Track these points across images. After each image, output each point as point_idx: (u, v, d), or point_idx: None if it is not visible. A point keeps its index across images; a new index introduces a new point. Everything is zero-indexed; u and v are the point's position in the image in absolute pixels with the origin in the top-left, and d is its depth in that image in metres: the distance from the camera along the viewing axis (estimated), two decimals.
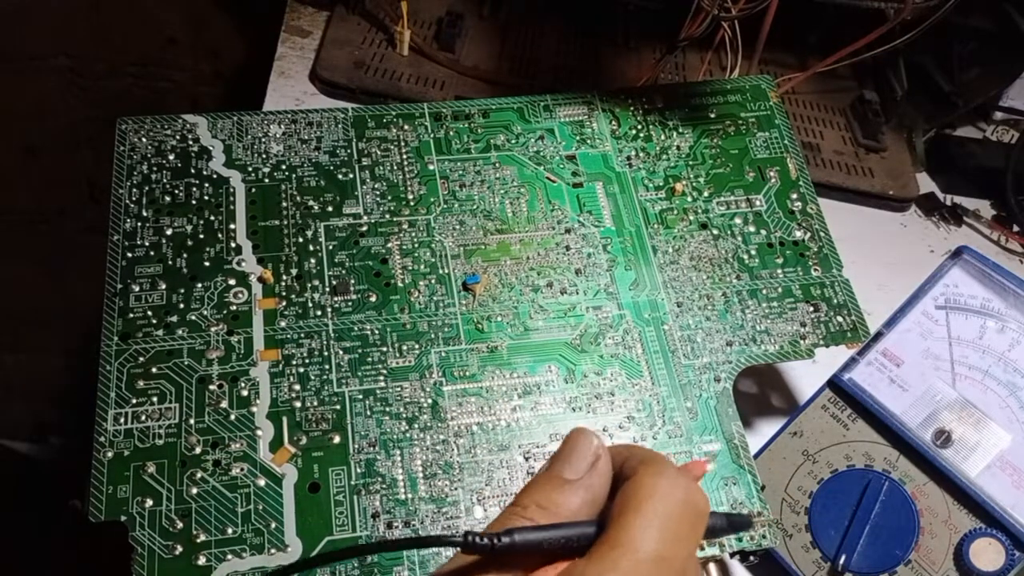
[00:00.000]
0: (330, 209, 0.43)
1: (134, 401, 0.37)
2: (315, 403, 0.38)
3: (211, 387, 0.38)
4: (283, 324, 0.40)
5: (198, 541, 0.34)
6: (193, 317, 0.39)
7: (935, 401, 0.41)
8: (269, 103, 0.59)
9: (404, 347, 0.40)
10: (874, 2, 0.56)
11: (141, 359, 0.38)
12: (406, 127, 0.46)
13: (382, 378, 0.39)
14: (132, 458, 0.36)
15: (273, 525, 0.35)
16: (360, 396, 0.38)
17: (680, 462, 0.38)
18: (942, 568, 0.39)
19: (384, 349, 0.40)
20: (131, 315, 0.39)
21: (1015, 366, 0.41)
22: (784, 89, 0.55)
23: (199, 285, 0.40)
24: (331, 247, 0.42)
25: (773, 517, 0.41)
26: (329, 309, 0.40)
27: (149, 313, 0.39)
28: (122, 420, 0.37)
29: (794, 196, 0.46)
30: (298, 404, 0.38)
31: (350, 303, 0.41)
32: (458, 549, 0.23)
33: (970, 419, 0.41)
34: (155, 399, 0.37)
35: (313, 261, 0.42)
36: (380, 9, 0.62)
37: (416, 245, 0.43)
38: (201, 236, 0.42)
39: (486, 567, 0.23)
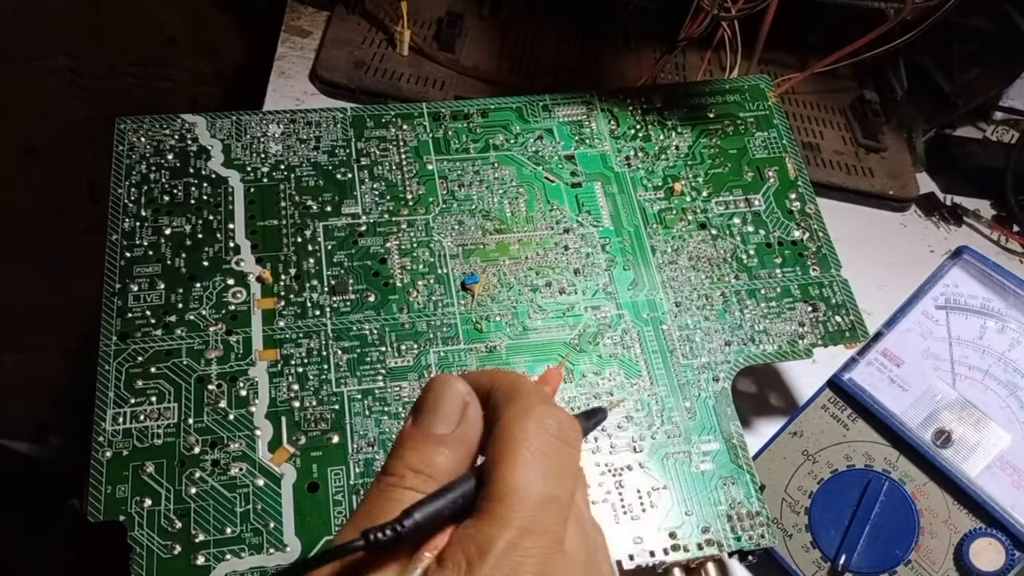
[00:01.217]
0: (329, 209, 0.43)
1: (133, 401, 0.37)
2: (314, 403, 0.38)
3: (210, 387, 0.38)
4: (282, 324, 0.40)
5: (197, 541, 0.34)
6: (192, 317, 0.39)
7: (935, 401, 0.41)
8: (269, 103, 0.59)
9: (403, 347, 0.40)
10: (874, 2, 0.56)
11: (140, 359, 0.38)
12: (405, 127, 0.46)
13: (381, 378, 0.39)
14: (131, 458, 0.36)
15: (272, 525, 0.35)
16: (359, 396, 0.38)
17: (679, 462, 0.38)
18: (942, 568, 0.39)
19: (383, 349, 0.39)
20: (130, 315, 0.39)
21: (1015, 366, 0.41)
22: (783, 89, 0.55)
23: (198, 285, 0.40)
24: (330, 247, 0.42)
25: (773, 517, 0.41)
26: (328, 309, 0.40)
27: (148, 313, 0.39)
28: (121, 420, 0.37)
29: (793, 196, 0.46)
30: (297, 404, 0.38)
31: (349, 303, 0.41)
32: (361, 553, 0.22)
33: (970, 419, 0.41)
34: (154, 399, 0.37)
35: (312, 261, 0.42)
36: (380, 9, 0.62)
37: (415, 245, 0.43)
38: (200, 236, 0.42)
39: (387, 557, 0.22)
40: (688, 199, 0.46)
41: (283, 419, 0.37)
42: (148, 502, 0.35)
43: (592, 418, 0.27)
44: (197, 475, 0.36)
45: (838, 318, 0.43)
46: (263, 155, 0.44)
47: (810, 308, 0.43)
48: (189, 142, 0.44)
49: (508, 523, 0.21)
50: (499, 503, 0.22)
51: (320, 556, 0.22)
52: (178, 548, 0.34)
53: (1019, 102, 0.67)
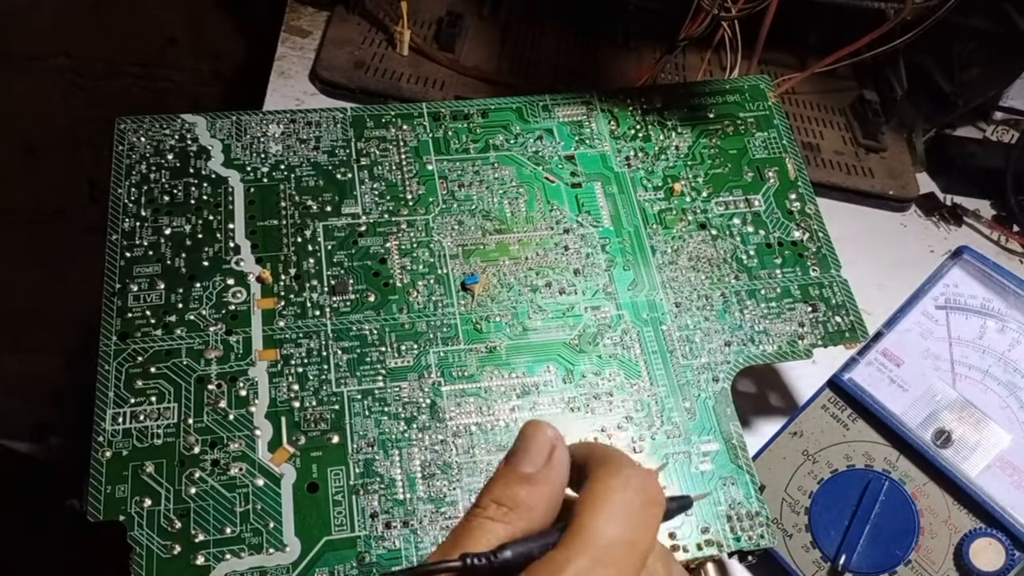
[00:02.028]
0: (329, 209, 0.43)
1: (133, 401, 0.37)
2: (314, 403, 0.38)
3: (210, 387, 0.38)
4: (282, 324, 0.40)
5: (196, 541, 0.34)
6: (192, 317, 0.39)
7: (935, 401, 0.41)
8: (269, 103, 0.59)
9: (403, 347, 0.40)
10: (874, 2, 0.56)
11: (140, 359, 0.38)
12: (405, 127, 0.46)
13: (381, 378, 0.39)
14: (131, 458, 0.36)
15: (272, 525, 0.35)
16: (359, 396, 0.38)
17: (679, 462, 0.38)
18: (942, 568, 0.39)
19: (383, 349, 0.39)
20: (130, 315, 0.39)
21: (1015, 366, 0.41)
22: (783, 89, 0.55)
23: (198, 285, 0.40)
24: (330, 247, 0.42)
25: (773, 517, 0.41)
26: (328, 309, 0.40)
27: (148, 313, 0.39)
28: (120, 420, 0.37)
29: (792, 196, 0.46)
30: (297, 404, 0.38)
31: (349, 303, 0.41)
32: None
33: (970, 419, 0.41)
34: (154, 399, 0.37)
35: (312, 261, 0.42)
36: (380, 9, 0.62)
37: (415, 245, 0.43)
38: (200, 236, 0.42)
39: None
40: (688, 199, 0.46)
41: (283, 419, 0.37)
42: (148, 502, 0.35)
43: (675, 501, 0.28)
44: (197, 475, 0.36)
45: (838, 318, 0.43)
46: (263, 155, 0.44)
47: (810, 308, 0.43)
48: (189, 142, 0.44)
49: (583, 551, 0.23)
50: (576, 537, 0.23)
51: (418, 568, 0.24)
52: (178, 548, 0.34)
53: (1019, 102, 0.67)
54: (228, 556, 0.34)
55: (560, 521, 0.25)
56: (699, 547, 0.36)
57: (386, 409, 0.38)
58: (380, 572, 0.34)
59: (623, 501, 0.24)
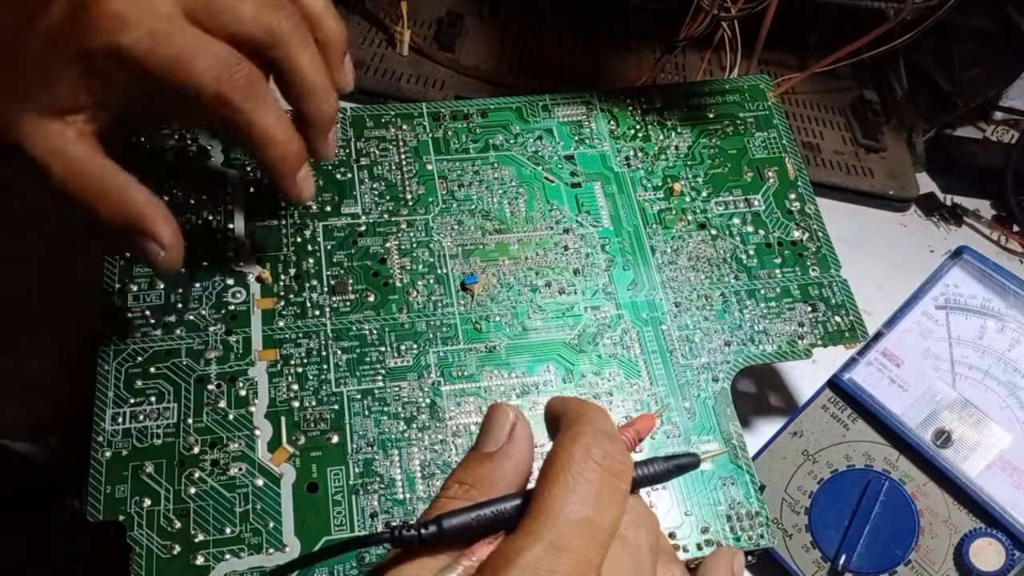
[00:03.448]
0: (328, 209, 0.43)
1: (132, 401, 0.37)
2: (313, 403, 0.38)
3: (209, 387, 0.38)
4: (281, 324, 0.40)
5: (196, 541, 0.34)
6: (191, 317, 0.39)
7: (935, 401, 0.41)
8: None
9: (402, 347, 0.40)
10: (874, 2, 0.56)
11: (139, 359, 0.38)
12: (404, 127, 0.46)
13: (380, 378, 0.39)
14: (130, 458, 0.36)
15: (271, 525, 0.35)
16: (358, 396, 0.38)
17: None
18: (942, 568, 0.39)
19: (382, 349, 0.39)
20: (130, 315, 0.39)
21: (1015, 366, 0.41)
22: (783, 89, 0.55)
23: (197, 285, 0.40)
24: (329, 247, 0.42)
25: (773, 517, 0.41)
26: (327, 309, 0.40)
27: (147, 313, 0.39)
28: (120, 420, 0.37)
29: (792, 196, 0.46)
30: (296, 404, 0.38)
31: (348, 303, 0.41)
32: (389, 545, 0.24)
33: (970, 419, 0.41)
34: (153, 399, 0.37)
35: (311, 261, 0.42)
36: (380, 9, 0.62)
37: (414, 245, 0.43)
38: (199, 236, 0.42)
39: (418, 555, 0.24)
40: (688, 199, 0.46)
41: (283, 419, 0.37)
42: (147, 502, 0.35)
43: (674, 460, 0.27)
44: (196, 475, 0.36)
45: (838, 318, 0.43)
46: None
47: (810, 308, 0.43)
48: (189, 142, 0.44)
49: (537, 538, 0.22)
50: (532, 519, 0.23)
51: (347, 542, 0.25)
52: (177, 548, 0.34)
53: (1019, 102, 0.66)
54: (228, 556, 0.34)
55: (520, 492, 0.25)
56: (699, 547, 0.36)
57: (386, 409, 0.38)
58: (310, 552, 0.34)
59: (581, 474, 0.23)
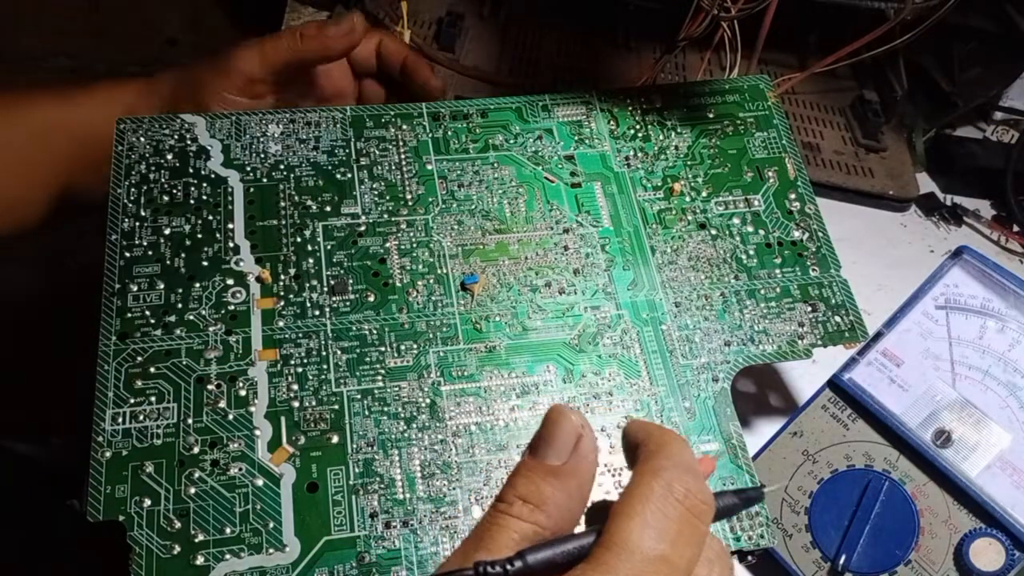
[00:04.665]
0: (328, 209, 0.43)
1: (132, 401, 0.37)
2: (313, 403, 0.38)
3: (209, 387, 0.38)
4: (281, 324, 0.40)
5: (196, 541, 0.34)
6: (191, 317, 0.39)
7: (935, 401, 0.41)
8: None
9: (402, 347, 0.40)
10: (874, 2, 0.56)
11: (139, 359, 0.38)
12: (404, 127, 0.46)
13: (380, 378, 0.39)
14: (130, 458, 0.36)
15: (271, 525, 0.35)
16: (358, 396, 0.38)
17: None
18: (942, 568, 0.39)
19: (382, 349, 0.39)
20: (129, 315, 0.39)
21: (1015, 366, 0.41)
22: (783, 89, 0.55)
23: (197, 285, 0.40)
24: (329, 247, 0.42)
25: (773, 517, 0.41)
26: (327, 309, 0.40)
27: (147, 313, 0.39)
28: (120, 420, 0.37)
29: (792, 196, 0.46)
30: (296, 404, 0.38)
31: (348, 303, 0.41)
32: None
33: (970, 419, 0.41)
34: (153, 399, 0.37)
35: (311, 261, 0.42)
36: (380, 9, 0.62)
37: (414, 245, 0.43)
38: (199, 236, 0.42)
39: None
40: (688, 199, 0.46)
41: (282, 419, 0.37)
42: (147, 502, 0.35)
43: (743, 494, 0.26)
44: (196, 475, 0.36)
45: (838, 318, 0.43)
46: (262, 155, 0.44)
47: (810, 308, 0.43)
48: (189, 142, 0.44)
49: (611, 571, 0.21)
50: (607, 551, 0.22)
51: None
52: (177, 548, 0.34)
53: (1019, 102, 0.66)
54: (228, 556, 0.34)
55: (595, 525, 0.24)
56: None
57: (386, 409, 0.38)
58: (313, 550, 0.33)
59: (662, 510, 0.22)
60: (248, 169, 0.44)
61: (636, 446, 0.25)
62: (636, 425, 0.26)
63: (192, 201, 0.43)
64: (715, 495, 0.25)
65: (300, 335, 0.39)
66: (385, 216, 0.43)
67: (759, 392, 0.50)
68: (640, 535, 0.22)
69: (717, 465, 0.38)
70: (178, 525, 0.34)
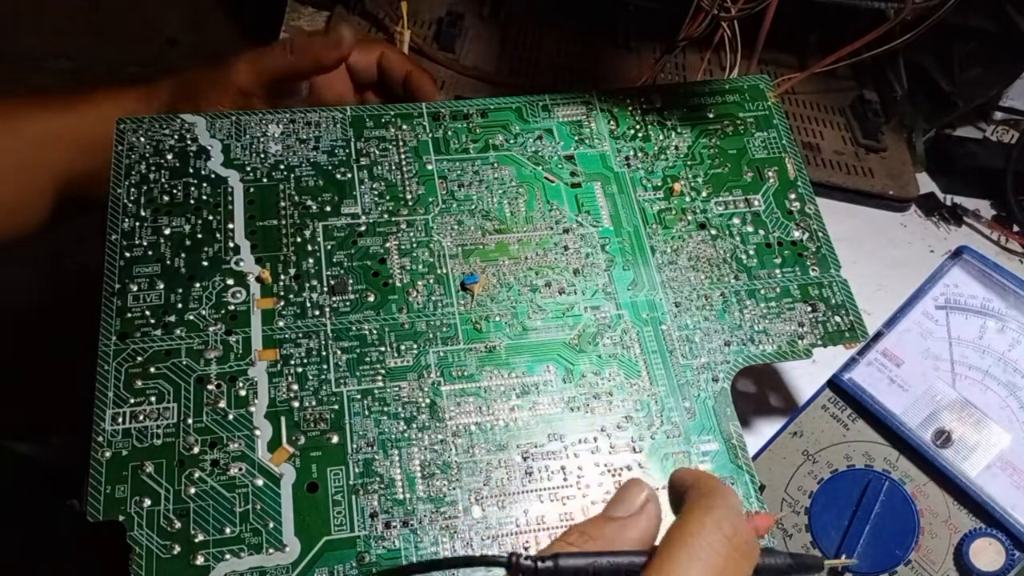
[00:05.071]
0: (328, 209, 0.43)
1: (132, 401, 0.37)
2: (313, 403, 0.38)
3: (209, 387, 0.38)
4: (281, 324, 0.40)
5: (196, 541, 0.34)
6: (191, 317, 0.39)
7: (935, 401, 0.41)
8: None
9: (402, 347, 0.40)
10: (874, 2, 0.56)
11: (139, 359, 0.38)
12: (404, 127, 0.46)
13: (380, 378, 0.39)
14: (130, 458, 0.36)
15: (271, 525, 0.35)
16: (358, 396, 0.38)
17: (679, 462, 0.38)
18: (942, 568, 0.39)
19: (382, 349, 0.39)
20: (129, 315, 0.39)
21: (1015, 366, 0.41)
22: (783, 89, 0.55)
23: (197, 285, 0.40)
24: (329, 247, 0.42)
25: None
26: (327, 309, 0.40)
27: (147, 313, 0.39)
28: (120, 420, 0.36)
29: (792, 196, 0.46)
30: (296, 404, 0.38)
31: (348, 303, 0.41)
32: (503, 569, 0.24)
33: (970, 419, 0.41)
34: (153, 399, 0.37)
35: (311, 261, 0.42)
36: (380, 9, 0.62)
37: (414, 245, 0.43)
38: (199, 236, 0.42)
39: None
40: (688, 199, 0.46)
41: (282, 419, 0.37)
42: (147, 502, 0.35)
43: (795, 559, 0.27)
44: (196, 475, 0.36)
45: (838, 318, 0.43)
46: (263, 155, 0.44)
47: (810, 308, 0.43)
48: (189, 142, 0.44)
49: None
50: (652, 574, 0.23)
51: (466, 558, 0.26)
52: (177, 548, 0.34)
53: (1019, 102, 0.66)
54: (228, 556, 0.34)
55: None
56: None
57: (386, 409, 0.38)
58: (424, 560, 0.34)
59: (710, 545, 0.23)
60: (248, 169, 0.44)
61: (685, 489, 0.26)
62: (686, 471, 0.28)
63: (192, 201, 0.43)
64: (770, 551, 0.26)
65: (300, 335, 0.39)
66: (385, 216, 0.43)
67: (759, 392, 0.50)
68: (688, 566, 0.23)
69: (714, 460, 0.38)
70: (178, 525, 0.34)
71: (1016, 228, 0.61)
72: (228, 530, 0.35)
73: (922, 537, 0.39)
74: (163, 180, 0.43)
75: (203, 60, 0.50)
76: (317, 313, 0.40)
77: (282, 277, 0.41)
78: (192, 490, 0.35)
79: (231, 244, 0.41)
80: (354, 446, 0.37)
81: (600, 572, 0.24)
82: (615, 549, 0.25)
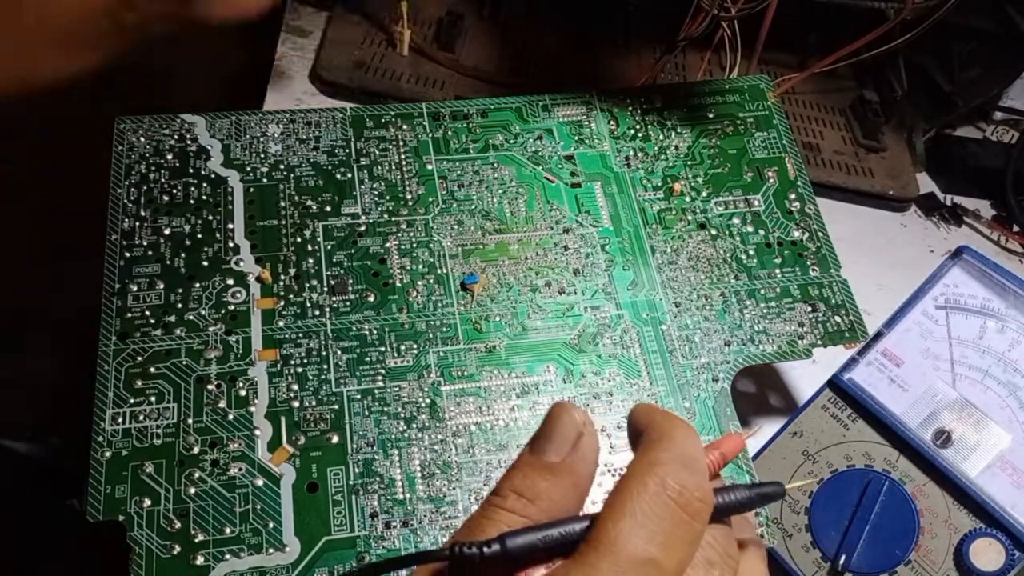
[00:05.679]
0: (328, 209, 0.43)
1: (132, 401, 0.37)
2: (313, 403, 0.38)
3: (209, 387, 0.38)
4: (281, 324, 0.40)
5: (196, 541, 0.34)
6: (191, 317, 0.39)
7: (935, 401, 0.41)
8: (269, 103, 0.59)
9: (402, 347, 0.40)
10: (874, 2, 0.56)
11: (139, 359, 0.38)
12: (404, 127, 0.46)
13: (380, 378, 0.39)
14: (130, 458, 0.36)
15: (271, 525, 0.35)
16: (358, 396, 0.38)
17: None
18: (942, 568, 0.39)
19: (382, 349, 0.39)
20: (129, 315, 0.39)
21: (1015, 366, 0.41)
22: (783, 89, 0.55)
23: (197, 285, 0.40)
24: (329, 247, 0.42)
25: (773, 517, 0.41)
26: (327, 309, 0.40)
27: (147, 313, 0.39)
28: (120, 420, 0.37)
29: (792, 196, 0.46)
30: (296, 404, 0.38)
31: (348, 303, 0.41)
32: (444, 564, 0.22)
33: (970, 419, 0.41)
34: (153, 399, 0.37)
35: (311, 261, 0.42)
36: (380, 9, 0.62)
37: (414, 245, 0.43)
38: (199, 236, 0.42)
39: (473, 574, 0.22)
40: (688, 199, 0.46)
41: (282, 419, 0.37)
42: (147, 502, 0.35)
43: (759, 489, 0.24)
44: (196, 475, 0.36)
45: (838, 318, 0.43)
46: (263, 155, 0.44)
47: (810, 308, 0.43)
48: (189, 142, 0.44)
49: (594, 571, 0.21)
50: (593, 549, 0.21)
51: (405, 558, 0.23)
52: (177, 548, 0.34)
53: (1019, 102, 0.66)
54: (228, 556, 0.34)
55: (587, 515, 0.23)
56: None
57: (386, 409, 0.38)
58: (361, 564, 0.33)
59: (653, 509, 0.21)
60: (248, 169, 0.44)
61: (639, 433, 0.24)
62: (641, 409, 0.25)
63: (192, 201, 0.43)
64: (728, 489, 0.24)
65: (300, 335, 0.39)
66: (385, 216, 0.43)
67: (759, 392, 0.50)
68: (628, 535, 0.21)
69: None
70: (178, 525, 0.34)
71: (1016, 228, 0.61)
72: (228, 530, 0.35)
73: (922, 537, 0.39)
74: (163, 180, 0.43)
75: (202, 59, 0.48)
76: (317, 313, 0.40)
77: (282, 277, 0.41)
78: (192, 490, 0.35)
79: (231, 244, 0.41)
80: (354, 446, 0.37)
81: (551, 546, 0.22)
82: (556, 507, 0.23)
